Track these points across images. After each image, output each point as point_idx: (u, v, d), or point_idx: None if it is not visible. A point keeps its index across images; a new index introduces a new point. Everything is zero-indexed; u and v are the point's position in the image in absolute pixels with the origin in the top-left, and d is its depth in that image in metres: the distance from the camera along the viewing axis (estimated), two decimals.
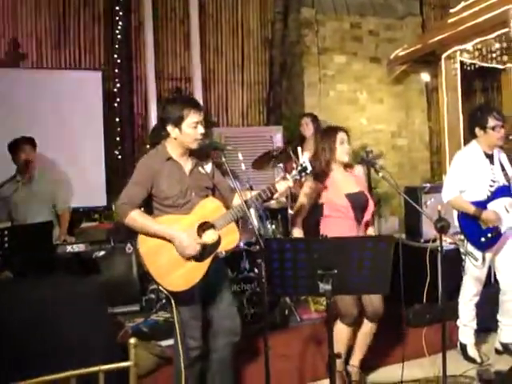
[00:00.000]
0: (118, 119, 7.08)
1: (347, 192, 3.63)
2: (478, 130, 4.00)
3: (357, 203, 3.62)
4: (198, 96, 7.41)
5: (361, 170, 3.86)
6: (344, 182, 3.68)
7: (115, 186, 6.05)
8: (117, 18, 7.10)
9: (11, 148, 5.03)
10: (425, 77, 8.22)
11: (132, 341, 1.72)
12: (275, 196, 3.16)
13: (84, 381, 1.75)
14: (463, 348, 4.16)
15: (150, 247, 3.00)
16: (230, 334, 3.24)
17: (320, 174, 3.63)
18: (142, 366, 3.73)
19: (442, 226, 3.13)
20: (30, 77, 6.34)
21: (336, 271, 2.45)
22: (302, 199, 3.71)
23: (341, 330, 3.54)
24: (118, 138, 7.06)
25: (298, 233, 3.72)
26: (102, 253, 4.97)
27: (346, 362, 3.73)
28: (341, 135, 3.69)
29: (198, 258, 3.01)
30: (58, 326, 2.99)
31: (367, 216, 3.69)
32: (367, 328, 3.66)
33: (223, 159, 3.10)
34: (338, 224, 3.58)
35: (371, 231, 3.83)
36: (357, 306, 3.54)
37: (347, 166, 3.77)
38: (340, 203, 3.58)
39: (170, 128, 3.05)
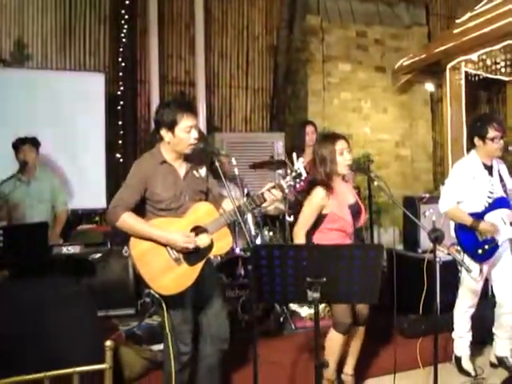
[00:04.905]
0: (120, 122, 7.04)
1: (349, 203, 3.60)
2: (477, 140, 3.95)
3: (353, 214, 3.59)
4: (202, 100, 7.41)
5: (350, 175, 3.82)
6: (345, 194, 3.63)
7: (116, 189, 6.01)
8: (122, 22, 7.09)
9: (13, 147, 5.07)
10: (429, 87, 8.20)
11: (108, 343, 1.70)
12: (268, 203, 3.13)
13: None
14: (458, 360, 4.12)
15: (142, 250, 2.98)
16: (219, 340, 3.23)
17: (326, 185, 3.53)
18: (133, 369, 3.73)
19: (437, 237, 3.09)
20: (34, 77, 6.34)
21: (325, 279, 2.43)
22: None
23: (334, 338, 3.52)
24: (120, 141, 7.02)
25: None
26: (98, 255, 4.94)
27: (340, 371, 3.71)
28: (339, 145, 3.54)
29: (190, 262, 3.00)
30: (44, 327, 2.97)
31: (358, 225, 3.68)
32: (359, 332, 3.68)
33: (217, 164, 3.08)
34: (330, 238, 3.53)
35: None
36: (350, 315, 3.52)
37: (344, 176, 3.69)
38: (343, 216, 3.52)
39: (163, 132, 3.04)
